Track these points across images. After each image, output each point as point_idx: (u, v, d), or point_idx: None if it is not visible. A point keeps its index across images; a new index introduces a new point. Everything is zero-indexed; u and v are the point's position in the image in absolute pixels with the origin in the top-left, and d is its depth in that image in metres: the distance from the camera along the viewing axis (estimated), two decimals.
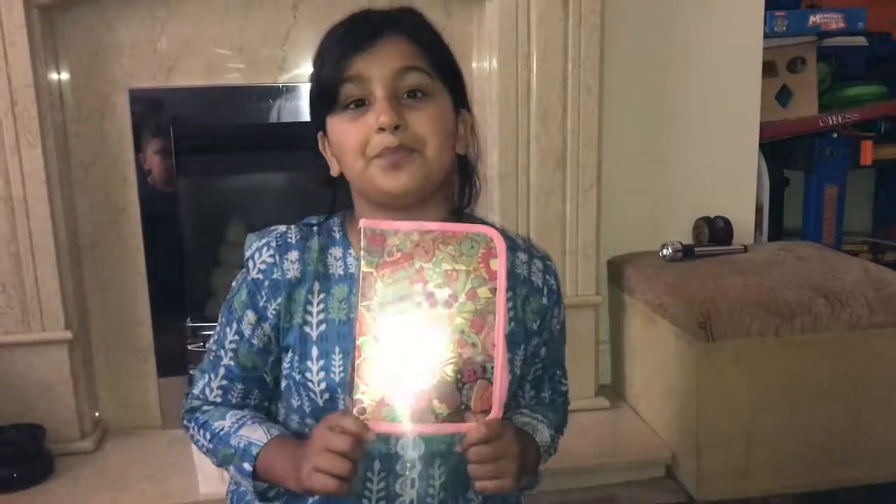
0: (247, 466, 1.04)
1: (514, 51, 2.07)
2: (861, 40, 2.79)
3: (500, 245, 0.87)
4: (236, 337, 1.09)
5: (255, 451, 1.04)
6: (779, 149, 2.67)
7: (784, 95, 2.68)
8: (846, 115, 2.67)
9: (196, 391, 1.15)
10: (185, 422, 1.15)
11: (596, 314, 2.25)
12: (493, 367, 0.87)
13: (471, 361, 0.87)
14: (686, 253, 2.28)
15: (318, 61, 1.04)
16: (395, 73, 0.99)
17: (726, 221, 2.43)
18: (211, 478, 1.82)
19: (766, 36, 2.47)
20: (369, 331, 0.87)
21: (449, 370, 0.87)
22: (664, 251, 2.28)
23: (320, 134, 1.07)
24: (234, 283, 1.11)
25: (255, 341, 1.08)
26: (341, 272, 1.06)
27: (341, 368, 1.03)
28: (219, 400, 1.13)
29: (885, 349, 1.99)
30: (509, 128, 2.10)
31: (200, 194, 2.29)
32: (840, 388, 1.98)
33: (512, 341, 1.06)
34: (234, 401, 1.13)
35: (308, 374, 1.04)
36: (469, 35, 2.18)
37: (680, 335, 1.98)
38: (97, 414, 2.18)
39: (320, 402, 1.05)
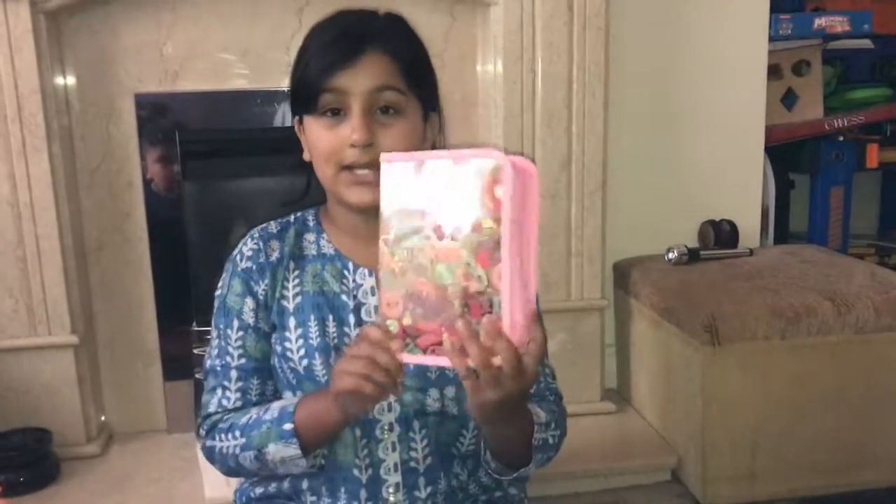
0: (287, 427, 1.05)
1: (519, 54, 2.07)
2: (867, 43, 2.78)
3: (507, 169, 0.82)
4: (240, 332, 1.14)
5: (291, 408, 1.06)
6: (784, 152, 2.67)
7: (789, 98, 2.68)
8: (852, 118, 2.66)
9: (211, 409, 1.15)
10: (208, 442, 1.14)
11: (601, 318, 2.25)
12: (500, 301, 0.84)
13: (476, 296, 0.85)
14: (692, 256, 2.28)
15: (302, 61, 1.08)
16: (373, 90, 1.05)
17: (732, 225, 2.43)
18: (216, 482, 1.82)
19: (771, 39, 2.46)
20: (388, 265, 0.87)
21: (455, 304, 0.85)
22: (670, 255, 2.28)
23: (296, 118, 1.14)
24: (218, 291, 1.17)
25: (261, 325, 1.14)
26: (314, 252, 1.16)
27: (318, 333, 1.11)
28: (239, 404, 1.14)
29: (892, 353, 1.99)
30: (514, 131, 2.10)
31: (206, 198, 2.29)
32: (846, 391, 1.97)
33: None
34: (254, 399, 1.14)
35: (287, 344, 1.11)
36: (474, 38, 2.18)
37: (686, 339, 1.98)
38: (103, 418, 2.19)
39: (301, 370, 1.11)
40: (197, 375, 2.16)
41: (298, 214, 1.19)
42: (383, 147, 1.04)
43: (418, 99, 1.09)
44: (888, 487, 2.01)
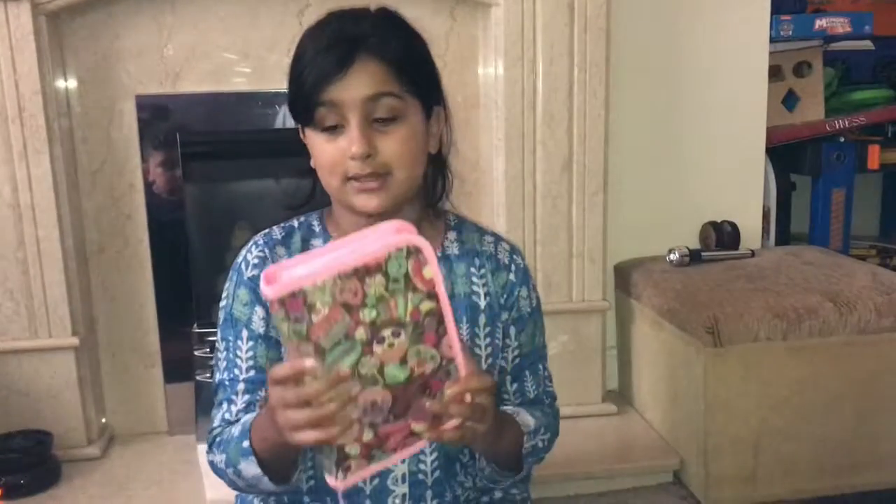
0: (245, 445, 1.02)
1: (520, 55, 2.07)
2: (867, 44, 2.78)
3: (427, 249, 0.79)
4: (250, 343, 1.10)
5: (248, 424, 1.03)
6: (786, 153, 2.67)
7: (790, 100, 2.67)
8: (853, 119, 2.66)
9: (215, 424, 1.12)
10: (209, 457, 1.11)
11: (603, 319, 2.25)
12: (455, 366, 0.84)
13: (434, 374, 0.84)
14: (693, 258, 2.28)
15: (297, 71, 1.05)
16: (367, 99, 1.01)
17: (733, 226, 2.43)
18: (217, 484, 1.81)
19: (772, 40, 2.46)
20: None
21: (416, 393, 0.84)
22: (671, 256, 2.28)
23: (300, 125, 1.10)
24: (223, 303, 1.13)
25: (271, 333, 1.10)
26: None
27: None
28: (241, 416, 1.11)
29: (894, 354, 1.98)
30: (515, 132, 2.10)
31: (207, 200, 2.29)
32: (848, 392, 1.97)
33: (489, 314, 1.14)
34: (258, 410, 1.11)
35: None
36: (475, 40, 2.18)
37: (687, 340, 1.98)
38: (104, 420, 2.19)
39: None
40: (198, 377, 2.16)
41: (302, 219, 1.16)
42: (385, 155, 1.02)
43: (418, 98, 1.05)
44: (891, 489, 2.00)
